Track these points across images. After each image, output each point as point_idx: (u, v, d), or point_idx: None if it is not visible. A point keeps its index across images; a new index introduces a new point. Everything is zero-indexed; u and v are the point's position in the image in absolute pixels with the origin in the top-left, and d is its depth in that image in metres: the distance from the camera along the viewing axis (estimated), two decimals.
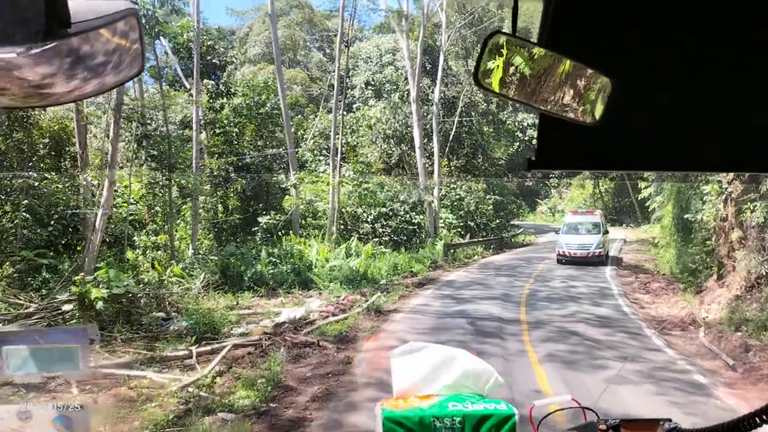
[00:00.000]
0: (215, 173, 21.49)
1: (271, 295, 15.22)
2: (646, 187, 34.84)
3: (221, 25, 50.16)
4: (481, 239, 27.31)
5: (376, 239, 23.87)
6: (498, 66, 1.04)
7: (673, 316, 13.03)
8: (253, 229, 20.29)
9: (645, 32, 1.12)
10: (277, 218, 20.59)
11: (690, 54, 1.13)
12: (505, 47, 1.03)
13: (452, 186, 30.44)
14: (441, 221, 28.16)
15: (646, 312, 13.61)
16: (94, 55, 0.72)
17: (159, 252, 16.34)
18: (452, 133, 31.44)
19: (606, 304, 14.23)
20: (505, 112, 43.79)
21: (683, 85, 1.16)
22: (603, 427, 1.52)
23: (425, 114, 30.50)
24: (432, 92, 31.01)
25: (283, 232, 21.04)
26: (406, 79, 32.66)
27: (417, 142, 27.02)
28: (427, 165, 30.49)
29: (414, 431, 1.44)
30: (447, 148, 30.90)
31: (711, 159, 1.26)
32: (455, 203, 29.24)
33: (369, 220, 24.26)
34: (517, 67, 1.04)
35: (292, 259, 17.93)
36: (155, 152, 18.14)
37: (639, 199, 37.79)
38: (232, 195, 21.99)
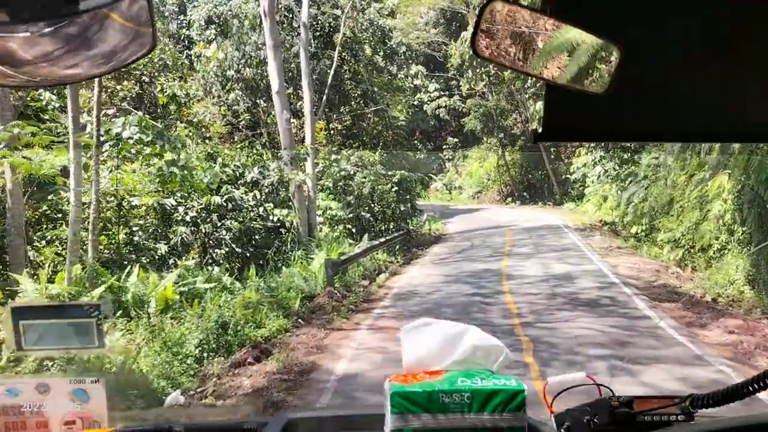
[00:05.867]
0: None
1: None
2: (587, 153, 27.08)
3: None
4: (381, 241, 17.22)
5: (203, 255, 13.02)
6: (499, 34, 0.98)
7: None
8: None
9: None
10: None
11: (705, 23, 1.05)
12: (505, 14, 0.97)
13: (334, 158, 19.98)
14: (320, 213, 17.75)
15: None
16: (104, 33, 0.71)
17: None
18: (329, 78, 20.78)
19: None
20: (394, 66, 33.90)
21: (698, 55, 1.07)
22: (616, 402, 1.43)
23: (288, 45, 19.60)
24: (298, 14, 20.12)
25: None
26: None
27: (275, 85, 16.03)
28: (296, 127, 19.81)
29: (423, 406, 1.40)
30: (324, 99, 20.13)
31: (730, 129, 1.17)
32: (340, 184, 18.86)
33: (187, 219, 13.22)
34: (519, 36, 0.98)
35: None
36: None
37: (570, 171, 30.16)
38: None
